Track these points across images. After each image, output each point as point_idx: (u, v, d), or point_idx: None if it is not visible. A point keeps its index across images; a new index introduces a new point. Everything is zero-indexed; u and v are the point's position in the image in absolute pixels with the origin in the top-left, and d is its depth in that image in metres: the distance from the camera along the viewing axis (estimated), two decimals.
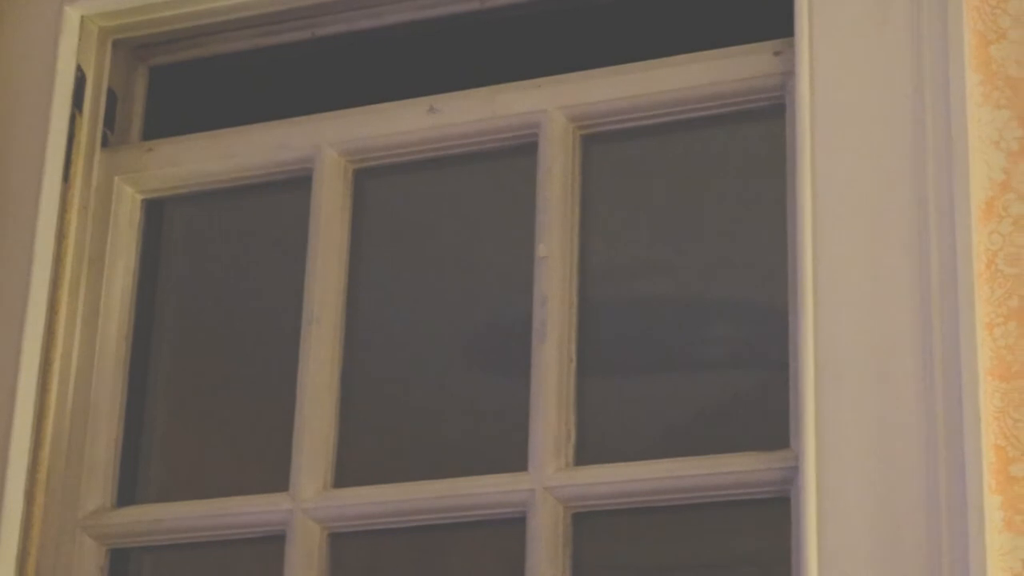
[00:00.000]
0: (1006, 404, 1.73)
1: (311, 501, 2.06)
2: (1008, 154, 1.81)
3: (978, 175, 1.80)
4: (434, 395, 2.16)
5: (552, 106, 2.10)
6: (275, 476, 2.09)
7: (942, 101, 1.83)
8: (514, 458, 2.00)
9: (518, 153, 2.13)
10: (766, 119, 2.01)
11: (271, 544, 2.07)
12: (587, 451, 1.99)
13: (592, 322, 2.05)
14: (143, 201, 2.29)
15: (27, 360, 2.12)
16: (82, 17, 2.27)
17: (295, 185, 2.21)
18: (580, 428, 2.00)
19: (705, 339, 2.08)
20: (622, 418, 2.05)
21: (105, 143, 2.28)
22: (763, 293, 2.00)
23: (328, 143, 2.19)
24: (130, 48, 2.34)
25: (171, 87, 2.37)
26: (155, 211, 2.30)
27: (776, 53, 2.00)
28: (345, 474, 2.09)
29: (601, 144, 2.11)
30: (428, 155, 2.17)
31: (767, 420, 1.92)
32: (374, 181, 2.21)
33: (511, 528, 1.97)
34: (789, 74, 1.96)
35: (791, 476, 1.84)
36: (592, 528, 1.97)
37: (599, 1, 2.21)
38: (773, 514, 1.86)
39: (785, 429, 1.88)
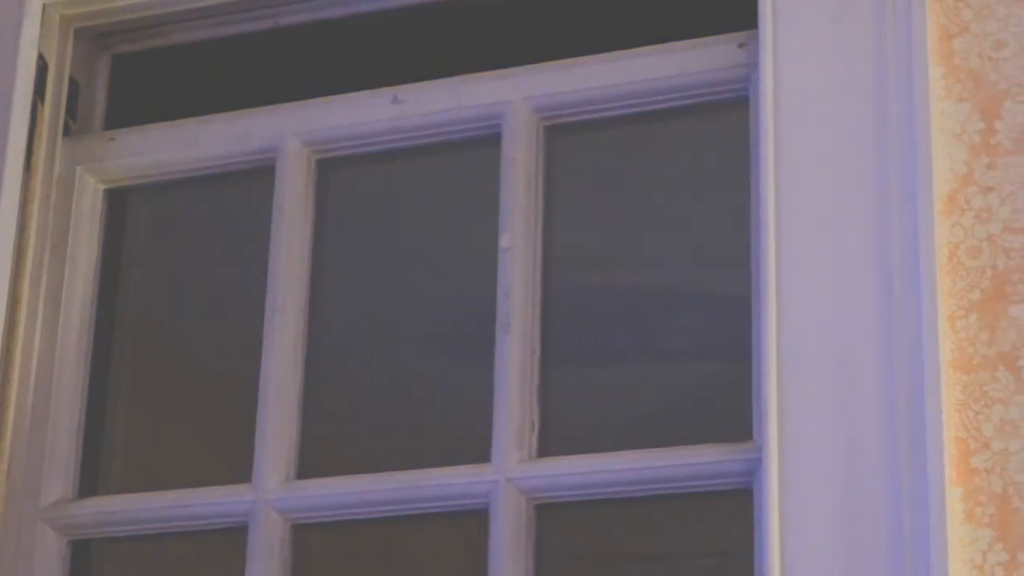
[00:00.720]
0: (967, 397, 1.74)
1: (274, 492, 2.05)
2: (970, 147, 1.82)
3: (940, 168, 1.81)
4: (398, 386, 2.16)
5: (516, 97, 2.10)
6: (238, 467, 2.09)
7: (905, 94, 1.83)
8: (478, 449, 1.99)
9: (482, 144, 2.12)
10: (730, 111, 2.01)
11: (234, 535, 2.06)
12: (550, 442, 1.99)
13: (556, 313, 2.05)
14: (105, 191, 2.28)
15: None
16: (44, 5, 2.25)
17: (259, 175, 2.21)
18: (543, 419, 2.00)
19: (669, 330, 2.08)
20: (586, 409, 2.05)
21: (67, 132, 2.27)
22: (727, 284, 2.00)
23: (292, 133, 2.19)
24: (92, 37, 2.33)
25: (134, 76, 2.36)
26: (118, 201, 2.29)
27: (740, 45, 2.00)
28: (308, 465, 2.08)
29: (565, 135, 2.11)
30: (392, 145, 2.17)
31: (731, 411, 1.93)
32: (338, 171, 2.20)
33: (474, 519, 1.97)
34: (753, 66, 1.97)
35: (754, 468, 1.84)
36: (555, 519, 1.97)
37: None
38: (736, 505, 1.87)
39: (748, 419, 1.88)
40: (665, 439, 1.94)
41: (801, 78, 1.89)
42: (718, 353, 2.03)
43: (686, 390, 2.05)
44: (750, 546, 1.82)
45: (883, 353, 1.76)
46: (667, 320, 2.08)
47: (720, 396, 2.00)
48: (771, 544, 1.75)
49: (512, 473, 1.96)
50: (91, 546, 2.17)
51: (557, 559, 1.97)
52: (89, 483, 2.18)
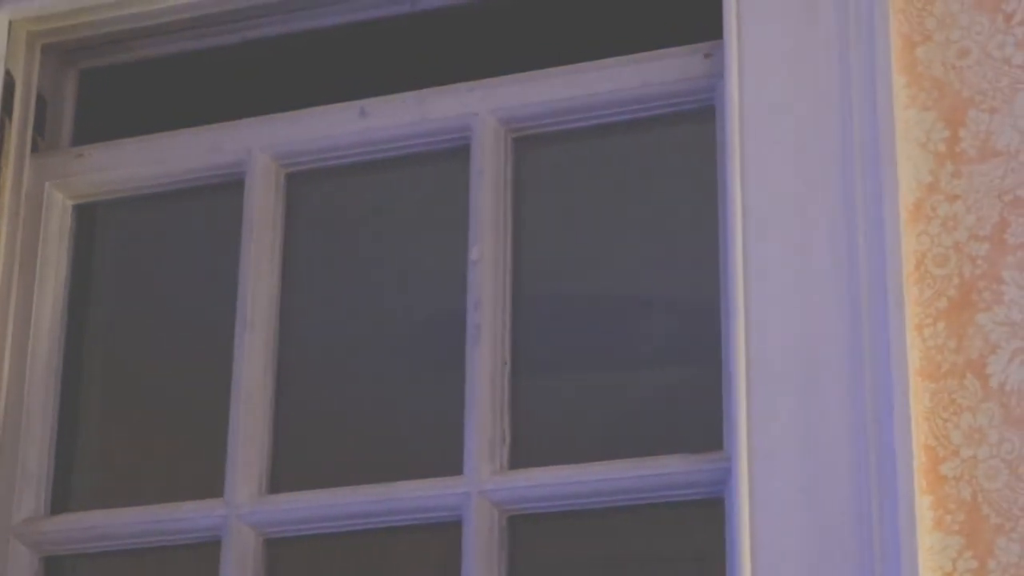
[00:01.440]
0: (935, 404, 1.75)
1: (246, 507, 2.05)
2: (935, 155, 1.83)
3: (906, 177, 1.82)
4: (369, 399, 2.16)
5: (484, 109, 2.10)
6: (210, 482, 2.09)
7: (869, 103, 1.84)
8: (449, 461, 2.00)
9: (450, 156, 2.13)
10: (696, 121, 2.02)
11: (206, 550, 2.06)
12: (522, 454, 1.99)
13: (526, 323, 2.05)
14: (74, 207, 2.28)
15: None
16: (10, 21, 2.25)
17: (227, 189, 2.21)
18: (515, 431, 2.00)
19: (639, 338, 2.09)
20: (557, 420, 2.05)
21: (35, 148, 2.27)
22: (695, 293, 2.01)
23: (259, 147, 2.19)
24: (60, 52, 2.33)
25: (101, 91, 2.35)
26: (86, 217, 2.29)
27: (706, 55, 2.01)
28: (280, 479, 2.08)
29: (533, 147, 2.11)
30: (360, 159, 2.17)
31: (701, 418, 1.93)
32: (306, 185, 2.20)
33: (447, 532, 1.97)
34: (718, 76, 1.97)
35: (724, 477, 1.85)
36: (528, 531, 1.97)
37: (530, 4, 2.21)
38: (707, 515, 1.87)
39: (720, 426, 1.88)
40: (637, 448, 1.95)
41: (766, 88, 1.90)
42: (688, 360, 2.04)
43: (657, 398, 2.06)
44: (722, 555, 1.83)
45: (851, 361, 1.77)
46: (637, 328, 2.09)
47: (691, 403, 2.00)
48: (742, 553, 1.75)
49: (484, 485, 1.97)
50: (64, 562, 2.17)
51: (530, 571, 1.97)
52: (61, 499, 2.18)
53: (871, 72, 1.85)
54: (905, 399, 1.74)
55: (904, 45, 1.86)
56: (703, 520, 1.90)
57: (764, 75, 1.90)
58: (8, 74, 2.24)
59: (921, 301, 1.78)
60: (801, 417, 1.77)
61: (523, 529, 1.97)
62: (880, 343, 1.76)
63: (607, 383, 2.08)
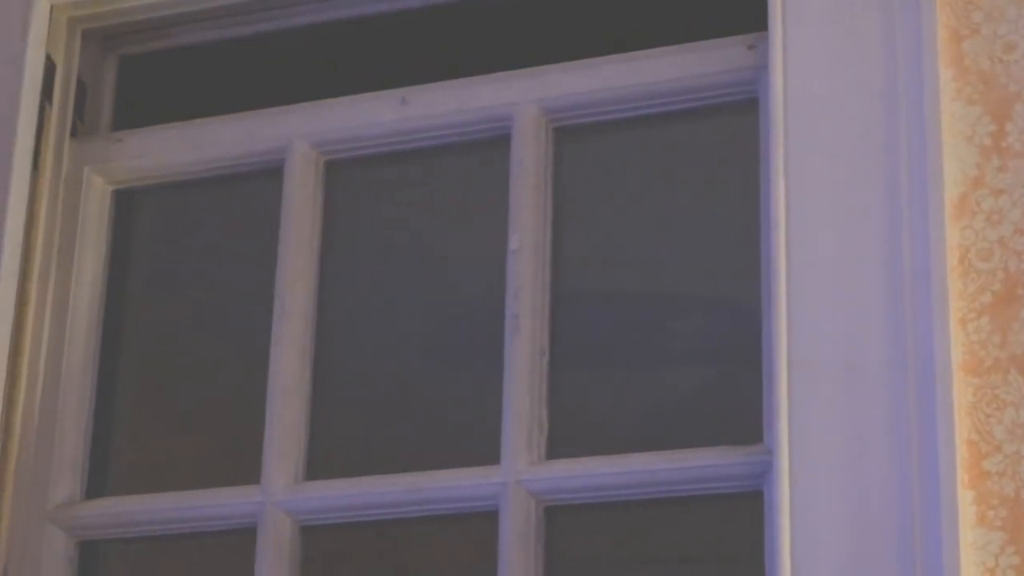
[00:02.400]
0: (978, 399, 1.74)
1: (282, 494, 2.05)
2: (981, 149, 1.82)
3: (951, 171, 1.81)
4: (406, 388, 2.16)
5: (524, 99, 2.10)
6: (246, 469, 2.09)
7: (915, 96, 1.83)
8: (486, 451, 1.99)
9: (490, 146, 2.12)
10: (739, 113, 2.01)
11: (242, 537, 2.06)
12: (560, 444, 1.99)
13: (565, 315, 2.05)
14: (113, 192, 2.28)
15: None
16: (52, 7, 2.25)
17: (266, 176, 2.21)
18: (552, 421, 2.00)
19: (678, 333, 2.08)
20: (595, 411, 2.05)
21: (75, 133, 2.27)
22: (736, 287, 2.00)
23: (299, 135, 2.19)
24: (100, 38, 2.33)
25: (141, 77, 2.36)
26: (125, 202, 2.29)
27: (750, 47, 2.00)
28: (316, 467, 2.08)
29: (573, 137, 2.10)
30: (400, 147, 2.17)
31: (740, 414, 1.93)
32: (345, 173, 2.20)
33: (483, 522, 1.97)
34: (762, 68, 1.96)
35: (764, 470, 1.84)
36: (564, 522, 1.96)
37: None
38: (746, 508, 1.86)
39: (758, 422, 1.88)
40: (675, 442, 1.94)
41: (811, 80, 1.89)
42: (728, 356, 2.03)
43: (696, 393, 2.05)
44: (760, 549, 1.82)
45: (894, 356, 1.76)
46: (677, 322, 2.08)
47: (730, 399, 2.00)
48: (781, 547, 1.74)
49: (521, 475, 1.96)
50: (99, 547, 2.17)
51: (566, 562, 1.97)
52: (97, 484, 2.18)
53: (917, 65, 1.83)
54: (948, 394, 1.73)
55: (951, 38, 1.85)
56: (741, 514, 1.89)
57: (809, 67, 1.89)
58: (49, 59, 2.24)
59: (965, 295, 1.77)
60: (843, 411, 1.76)
61: (560, 520, 1.96)
62: (923, 337, 1.76)
63: (646, 376, 2.07)
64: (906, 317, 1.77)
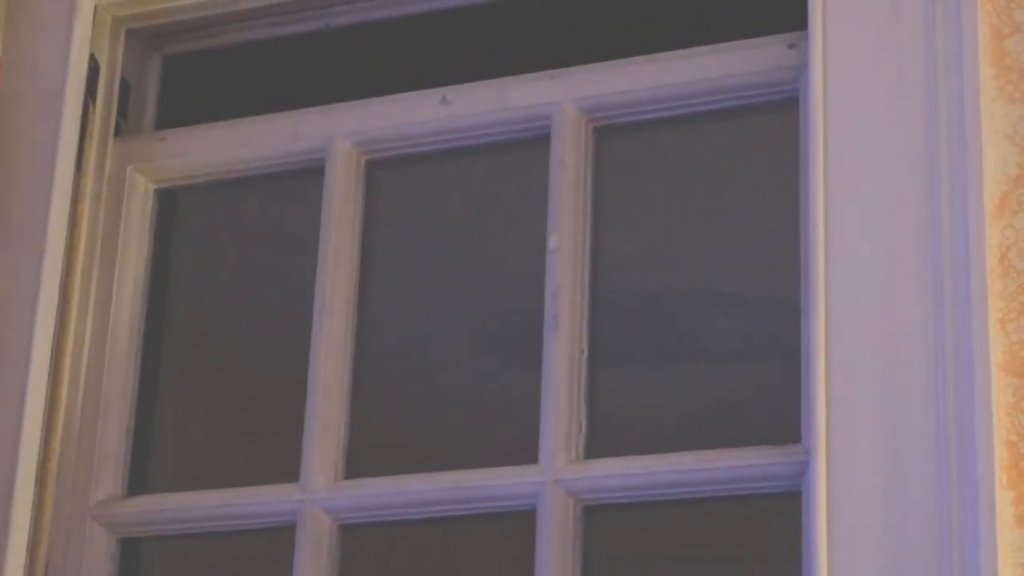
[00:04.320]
0: (1018, 399, 1.72)
1: (321, 492, 2.06)
2: (1022, 148, 1.80)
3: (991, 169, 1.80)
4: (445, 386, 2.16)
5: (565, 98, 2.10)
6: (286, 467, 2.09)
7: (955, 95, 1.82)
8: (525, 450, 1.99)
9: (530, 145, 2.12)
10: (779, 112, 2.00)
11: (281, 535, 2.07)
12: (598, 444, 1.99)
13: (604, 314, 2.04)
14: (156, 190, 2.29)
15: (39, 349, 2.12)
16: (96, 6, 2.26)
17: (308, 175, 2.21)
18: (591, 421, 2.00)
19: (716, 332, 2.08)
20: (633, 411, 2.04)
21: (118, 132, 2.28)
22: (774, 286, 1.99)
23: (341, 133, 2.19)
24: (144, 37, 2.34)
25: (184, 76, 2.37)
26: (168, 200, 2.30)
27: (790, 46, 1.99)
28: (355, 465, 2.08)
29: (613, 136, 2.10)
30: (440, 146, 2.17)
31: (778, 414, 1.92)
32: (386, 172, 2.20)
33: (521, 520, 1.97)
34: (803, 67, 1.96)
35: (802, 470, 1.83)
36: (602, 521, 1.96)
37: None
38: (784, 508, 1.86)
39: (796, 422, 1.87)
40: (712, 442, 1.94)
41: (851, 79, 1.88)
42: (766, 355, 2.03)
43: (734, 392, 2.04)
44: (797, 549, 1.81)
45: (933, 356, 1.75)
46: (715, 322, 2.07)
47: (768, 398, 1.99)
48: (819, 547, 1.74)
49: (559, 474, 1.96)
50: (140, 544, 2.18)
51: (604, 561, 1.97)
52: (138, 481, 2.19)
53: (958, 63, 1.82)
54: (987, 394, 1.71)
55: (992, 36, 1.84)
56: (779, 514, 1.88)
57: (849, 66, 1.88)
58: (93, 58, 2.25)
59: (1005, 295, 1.76)
60: (881, 411, 1.76)
61: (598, 519, 1.96)
62: (962, 337, 1.74)
63: (684, 375, 2.07)
64: (945, 317, 1.76)
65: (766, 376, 2.02)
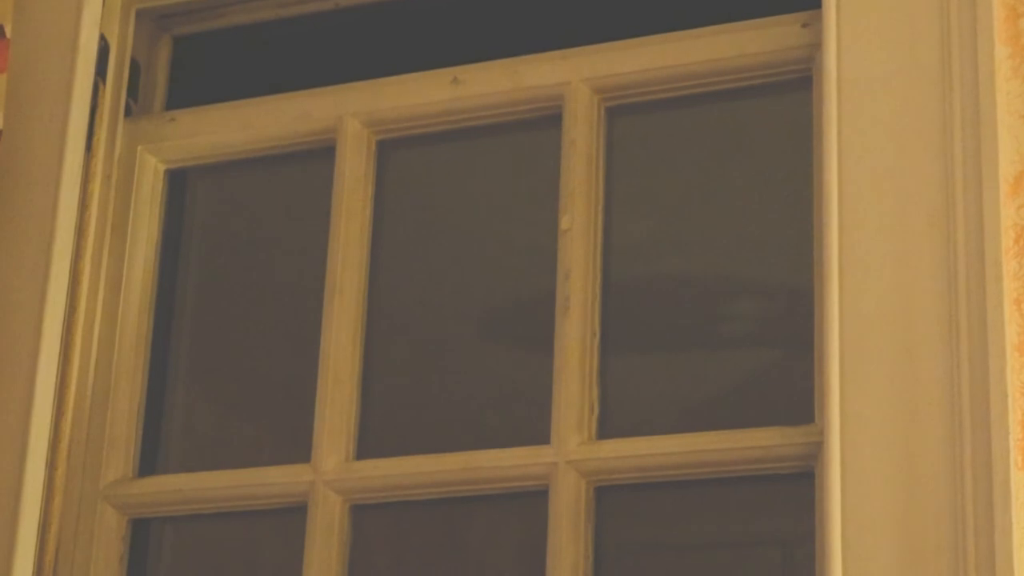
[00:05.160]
0: None
1: (332, 473, 2.05)
2: None
3: (1006, 149, 1.79)
4: (456, 368, 2.15)
5: (576, 78, 2.09)
6: (296, 448, 2.09)
7: (970, 75, 1.81)
8: (537, 432, 1.99)
9: (542, 125, 2.12)
10: (793, 92, 1.99)
11: (292, 515, 2.07)
12: (610, 425, 1.98)
13: (616, 296, 2.04)
14: (166, 171, 2.28)
15: (49, 330, 2.12)
16: None
17: (318, 155, 2.21)
18: (603, 402, 1.99)
19: (728, 315, 2.07)
20: (645, 393, 2.04)
21: (128, 113, 2.28)
22: (787, 269, 1.99)
23: (351, 113, 2.18)
24: (153, 18, 2.34)
25: (194, 57, 2.36)
26: (178, 181, 2.30)
27: (804, 25, 1.99)
28: (367, 446, 2.08)
29: (625, 116, 2.10)
30: (451, 126, 2.17)
31: (790, 397, 1.92)
32: (397, 152, 2.20)
33: (533, 501, 1.97)
34: (816, 46, 1.95)
35: (815, 451, 1.83)
36: (614, 502, 1.96)
37: None
38: (796, 489, 1.85)
39: (808, 407, 1.87)
40: (725, 423, 1.93)
41: (865, 58, 1.87)
42: (779, 339, 2.02)
43: (746, 375, 2.03)
44: (811, 530, 1.81)
45: (947, 337, 1.75)
46: (727, 304, 2.06)
47: (780, 382, 1.98)
48: (832, 528, 1.73)
49: (571, 455, 1.96)
50: (151, 524, 2.18)
51: (615, 541, 1.96)
52: (149, 462, 2.19)
53: (972, 43, 1.82)
54: (1002, 374, 1.71)
55: (1008, 16, 1.83)
56: (792, 495, 1.88)
57: (863, 45, 1.87)
58: (103, 39, 2.25)
59: (1019, 275, 1.75)
60: (895, 392, 1.75)
61: (610, 499, 1.96)
62: (977, 318, 1.74)
63: (697, 358, 2.06)
64: (960, 298, 1.75)
65: (779, 359, 2.01)
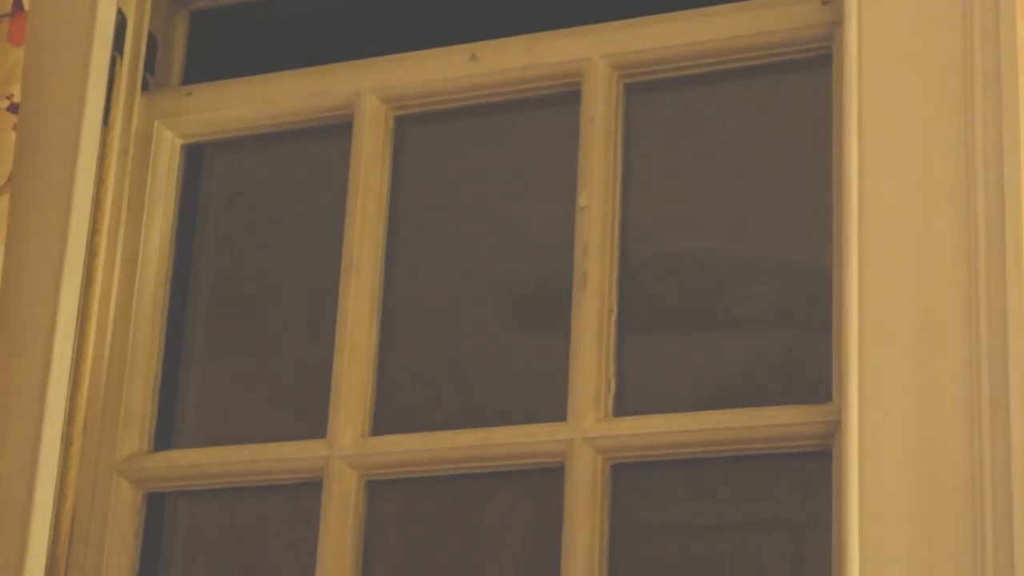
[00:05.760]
0: None
1: (348, 448, 2.05)
2: None
3: None
4: (473, 344, 2.15)
5: (595, 54, 2.08)
6: (312, 423, 2.09)
7: (992, 52, 1.80)
8: (553, 409, 1.99)
9: (560, 101, 2.11)
10: (813, 70, 1.99)
11: (307, 490, 2.07)
12: (627, 403, 1.98)
13: (633, 274, 2.03)
14: (182, 146, 2.28)
15: (65, 304, 2.11)
16: None
17: (335, 131, 2.20)
18: (620, 380, 1.99)
19: (747, 293, 2.06)
20: (663, 371, 2.03)
21: (145, 87, 2.28)
22: (806, 248, 1.98)
23: (368, 89, 2.18)
24: None
25: (212, 31, 2.36)
26: (194, 156, 2.30)
27: (824, 2, 1.98)
28: (383, 422, 2.08)
29: (644, 93, 2.09)
30: (469, 103, 2.16)
31: (808, 377, 1.91)
32: (414, 128, 2.20)
33: (549, 478, 1.96)
34: (837, 24, 1.94)
35: (833, 430, 1.83)
36: (631, 479, 1.96)
37: None
38: (814, 468, 1.85)
39: (825, 388, 1.86)
40: (742, 401, 1.93)
41: (885, 36, 1.86)
42: (797, 318, 2.01)
43: (763, 355, 2.03)
44: (828, 509, 1.80)
45: (967, 314, 1.74)
46: (746, 282, 2.06)
47: (797, 362, 1.98)
48: (849, 506, 1.73)
49: (588, 432, 1.95)
50: (166, 499, 2.18)
51: (632, 519, 1.96)
52: (164, 436, 2.19)
53: (995, 18, 1.81)
54: (1022, 352, 1.70)
55: None
56: (809, 474, 1.88)
57: (884, 23, 1.86)
58: (120, 13, 2.24)
59: None
60: (914, 370, 1.74)
61: (627, 477, 1.95)
62: (997, 296, 1.73)
63: (714, 337, 2.05)
64: (980, 276, 1.75)
65: (796, 339, 2.00)
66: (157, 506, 2.16)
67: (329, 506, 2.04)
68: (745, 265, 2.05)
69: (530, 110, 2.15)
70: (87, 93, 2.17)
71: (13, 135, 2.10)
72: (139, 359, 2.18)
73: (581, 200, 2.04)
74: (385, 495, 2.07)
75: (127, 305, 2.19)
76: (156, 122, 2.26)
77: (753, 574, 1.95)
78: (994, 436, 1.70)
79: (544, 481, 1.98)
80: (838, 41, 1.93)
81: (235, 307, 2.28)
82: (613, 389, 1.98)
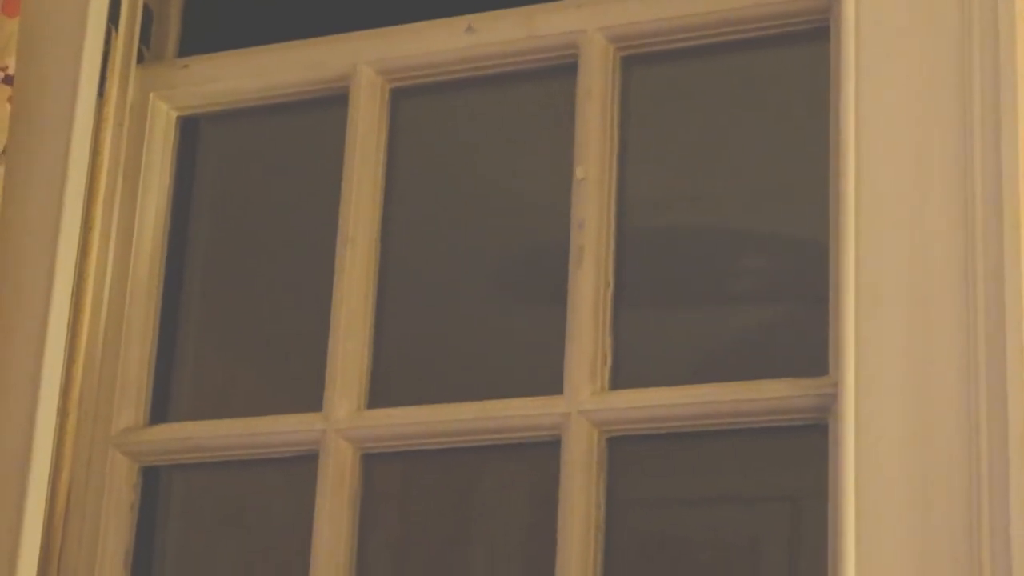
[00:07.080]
0: None
1: (344, 421, 2.05)
2: None
3: None
4: (469, 317, 2.15)
5: (592, 26, 2.08)
6: (308, 396, 2.09)
7: (990, 25, 1.80)
8: (549, 382, 1.98)
9: (557, 74, 2.10)
10: (811, 42, 1.98)
11: (303, 464, 2.06)
12: (623, 376, 1.98)
13: (630, 247, 2.03)
14: (178, 118, 2.27)
15: (60, 277, 2.11)
16: None
17: (331, 103, 2.20)
18: (616, 353, 1.99)
19: (743, 267, 2.06)
20: (659, 344, 2.03)
21: (141, 59, 2.27)
22: (803, 222, 1.98)
23: (365, 61, 2.17)
24: None
25: (207, 3, 2.35)
26: (190, 128, 2.29)
27: None
28: (378, 395, 2.08)
29: (641, 66, 2.08)
30: (465, 75, 2.15)
31: (804, 350, 1.91)
32: (411, 100, 2.19)
33: (544, 451, 1.96)
34: None
35: (829, 403, 1.82)
36: (627, 452, 1.95)
37: None
38: (810, 442, 1.85)
39: (821, 361, 1.86)
40: (739, 375, 1.92)
41: (883, 9, 1.85)
42: (794, 293, 2.01)
43: (760, 328, 2.03)
44: (823, 482, 1.80)
45: (964, 288, 1.73)
46: (743, 256, 2.06)
47: (794, 336, 1.98)
48: (845, 479, 1.72)
49: (584, 405, 1.95)
50: (161, 472, 2.18)
51: (628, 492, 1.96)
52: (160, 410, 2.19)
53: None
54: (1019, 325, 1.70)
55: None
56: (805, 447, 1.88)
57: None
58: None
59: None
60: (910, 344, 1.74)
61: (622, 450, 1.95)
62: (994, 270, 1.73)
63: (712, 309, 2.05)
64: (976, 250, 1.74)
65: (793, 314, 2.00)
66: (153, 479, 2.16)
67: (325, 479, 2.03)
68: (742, 238, 2.05)
69: (527, 82, 2.15)
70: (82, 65, 2.17)
71: (8, 107, 2.10)
72: (135, 332, 2.18)
73: (578, 173, 2.04)
74: (381, 468, 2.06)
75: (123, 278, 2.19)
76: (152, 94, 2.25)
77: (749, 547, 1.96)
78: (990, 408, 1.69)
79: (540, 454, 1.98)
80: (835, 13, 1.92)
81: (231, 279, 2.28)
82: (609, 362, 1.98)
